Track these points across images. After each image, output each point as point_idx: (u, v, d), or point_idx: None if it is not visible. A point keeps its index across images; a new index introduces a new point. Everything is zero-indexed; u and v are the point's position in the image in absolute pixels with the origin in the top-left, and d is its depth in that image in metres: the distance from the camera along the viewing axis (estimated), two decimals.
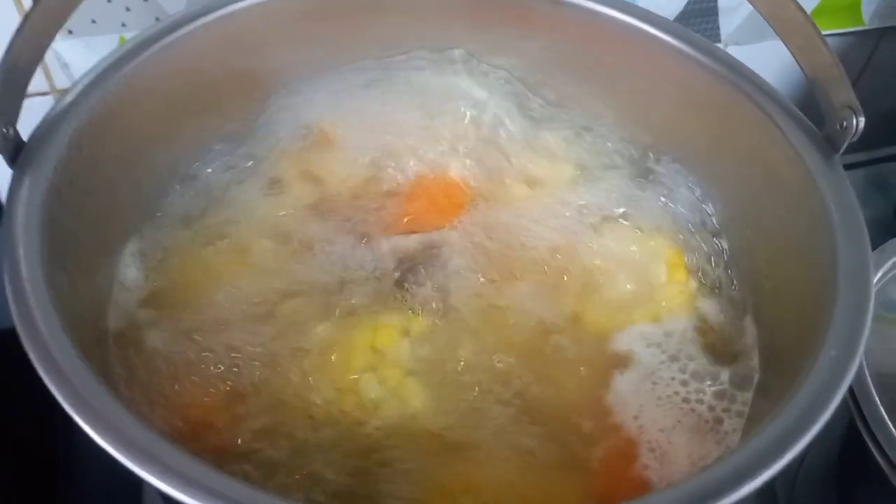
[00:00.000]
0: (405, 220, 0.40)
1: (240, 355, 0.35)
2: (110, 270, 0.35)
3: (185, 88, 0.38)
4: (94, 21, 0.50)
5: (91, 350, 0.28)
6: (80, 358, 0.25)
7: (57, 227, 0.29)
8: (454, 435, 0.33)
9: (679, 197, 0.41)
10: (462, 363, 0.35)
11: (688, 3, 0.57)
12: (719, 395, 0.34)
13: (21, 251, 0.27)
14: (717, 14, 0.58)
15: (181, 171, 0.40)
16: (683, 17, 0.58)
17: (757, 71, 0.38)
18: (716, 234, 0.40)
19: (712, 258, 0.39)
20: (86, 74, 0.34)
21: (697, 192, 0.41)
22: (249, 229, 0.39)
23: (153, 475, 0.23)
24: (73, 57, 0.52)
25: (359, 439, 0.32)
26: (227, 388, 0.34)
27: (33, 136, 0.31)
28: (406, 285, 0.38)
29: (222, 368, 0.34)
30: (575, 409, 0.34)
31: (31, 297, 0.26)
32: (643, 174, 0.42)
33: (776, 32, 0.33)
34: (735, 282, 0.38)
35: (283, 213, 0.40)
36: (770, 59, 0.57)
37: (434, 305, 0.37)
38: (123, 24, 0.51)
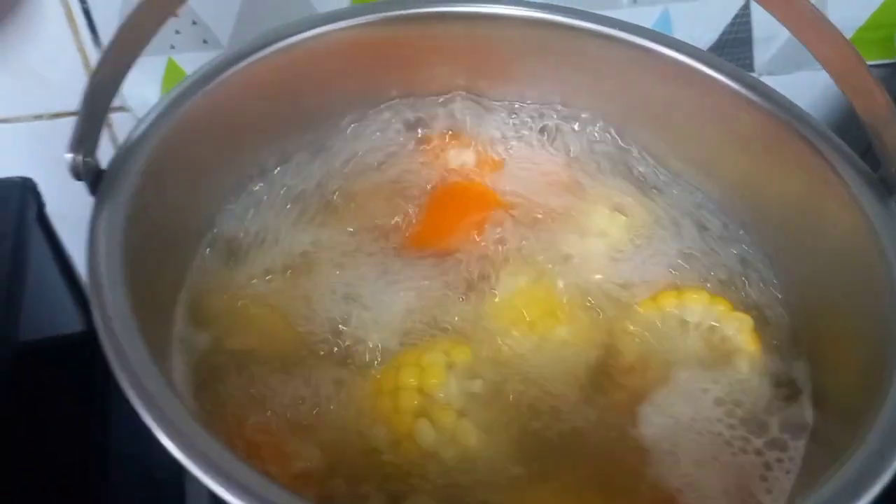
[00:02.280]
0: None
1: (290, 385, 0.35)
2: (173, 294, 0.36)
3: (244, 118, 0.39)
4: None
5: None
6: (169, 385, 0.26)
7: (132, 253, 0.30)
8: (513, 471, 0.33)
9: (726, 238, 0.41)
10: (509, 398, 0.36)
11: (723, 34, 0.58)
12: (770, 443, 0.34)
13: (105, 280, 0.28)
14: (751, 44, 0.59)
15: (239, 197, 0.40)
16: (718, 47, 0.58)
17: None
18: (766, 277, 0.40)
19: (763, 301, 0.39)
20: (157, 104, 0.35)
21: (744, 233, 0.41)
22: (298, 256, 0.40)
23: (219, 483, 0.24)
24: None
25: (416, 480, 0.33)
26: (282, 419, 0.34)
27: (112, 165, 0.32)
28: (443, 322, 0.38)
29: (274, 399, 0.35)
30: (618, 450, 0.34)
31: (118, 327, 0.27)
32: (689, 210, 0.42)
33: (829, 73, 0.34)
34: (787, 325, 0.38)
35: (329, 240, 0.40)
36: (803, 90, 0.58)
37: (477, 340, 0.37)
38: (172, 47, 0.52)
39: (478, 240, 0.41)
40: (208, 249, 0.39)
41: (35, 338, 0.55)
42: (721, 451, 0.34)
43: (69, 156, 0.29)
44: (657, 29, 0.54)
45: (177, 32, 0.51)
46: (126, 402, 0.64)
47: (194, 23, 0.51)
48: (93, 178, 0.31)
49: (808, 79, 0.61)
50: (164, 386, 0.26)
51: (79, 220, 0.61)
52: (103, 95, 0.30)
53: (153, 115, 0.34)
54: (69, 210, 0.59)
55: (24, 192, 0.57)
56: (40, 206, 0.58)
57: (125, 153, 0.32)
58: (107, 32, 0.50)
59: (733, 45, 0.59)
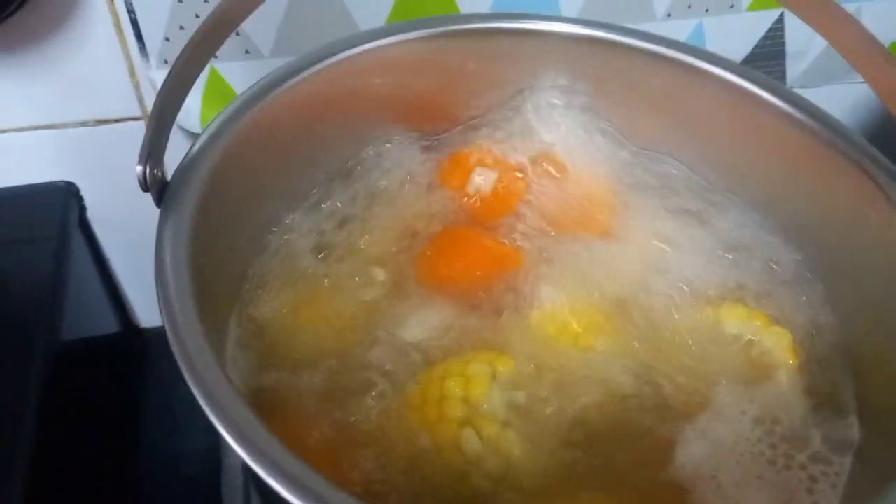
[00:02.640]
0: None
1: (335, 393, 0.36)
2: (231, 303, 0.37)
3: (297, 134, 0.39)
4: None
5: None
6: (235, 389, 0.27)
7: (195, 263, 0.31)
8: (555, 483, 0.34)
9: (769, 253, 0.41)
10: (551, 410, 0.36)
11: (756, 47, 0.58)
12: (813, 457, 0.34)
13: (172, 289, 0.29)
14: (784, 57, 0.59)
15: (293, 208, 0.41)
16: (751, 60, 0.59)
17: None
18: (810, 292, 0.40)
19: (807, 316, 0.39)
20: (217, 116, 0.35)
21: (787, 247, 0.41)
22: (345, 270, 0.40)
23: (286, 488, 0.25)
24: None
25: (463, 489, 0.33)
26: (329, 427, 0.35)
27: (175, 176, 0.33)
28: (486, 334, 0.38)
29: (321, 406, 0.35)
30: (659, 467, 0.35)
31: (186, 337, 0.28)
32: (732, 225, 0.42)
33: (877, 93, 0.34)
34: (831, 341, 0.38)
35: (375, 251, 0.41)
36: (834, 103, 0.58)
37: (519, 352, 0.38)
38: (215, 56, 0.53)
39: (519, 254, 0.42)
40: (262, 261, 0.39)
41: (74, 338, 0.57)
42: (765, 470, 0.34)
43: (139, 167, 0.30)
44: (691, 42, 0.54)
45: None
46: (158, 402, 0.65)
47: (237, 33, 0.52)
48: (159, 189, 0.32)
49: (839, 91, 0.61)
50: (231, 392, 0.27)
51: (118, 225, 0.63)
52: (170, 109, 0.32)
53: (212, 129, 0.35)
54: (110, 215, 0.61)
55: (67, 197, 0.58)
56: (82, 210, 0.60)
57: (187, 166, 0.33)
58: (153, 42, 0.51)
59: (766, 58, 0.59)
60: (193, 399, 0.27)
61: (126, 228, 0.60)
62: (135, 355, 0.70)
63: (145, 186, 0.31)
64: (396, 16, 0.51)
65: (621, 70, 0.42)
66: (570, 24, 0.42)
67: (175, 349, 0.28)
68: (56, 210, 0.57)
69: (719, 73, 0.40)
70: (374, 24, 0.50)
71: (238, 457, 0.26)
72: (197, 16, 0.50)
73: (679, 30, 0.55)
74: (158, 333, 0.28)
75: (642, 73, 0.41)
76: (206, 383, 0.27)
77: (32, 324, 0.51)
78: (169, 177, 0.33)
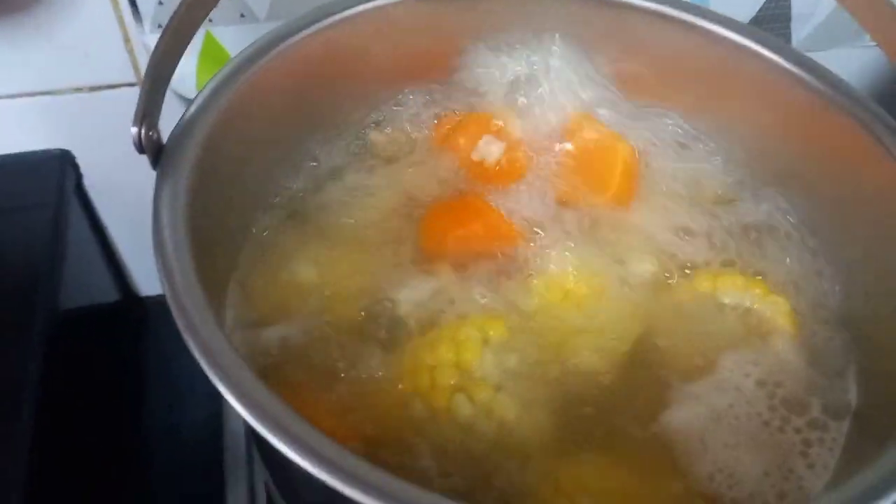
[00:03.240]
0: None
1: (329, 359, 0.36)
2: (229, 266, 0.37)
3: (296, 95, 0.39)
4: None
5: None
6: (237, 354, 0.27)
7: (193, 225, 0.31)
8: (548, 447, 0.34)
9: (780, 226, 0.41)
10: (546, 373, 0.36)
11: (761, 9, 0.57)
12: (811, 423, 0.34)
13: (171, 254, 0.29)
14: (789, 20, 0.59)
15: (291, 170, 0.41)
16: (756, 22, 0.58)
17: None
18: (812, 256, 0.40)
19: (807, 281, 0.39)
20: (213, 78, 0.35)
21: (798, 219, 0.41)
22: (341, 235, 0.40)
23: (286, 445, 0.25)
24: None
25: (459, 453, 0.33)
26: (323, 395, 0.35)
27: (171, 139, 0.32)
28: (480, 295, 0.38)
29: (315, 373, 0.35)
30: (652, 432, 0.35)
31: (186, 300, 0.27)
32: (733, 193, 0.42)
33: (885, 51, 0.33)
34: (832, 306, 0.38)
35: (374, 215, 0.41)
36: (839, 66, 0.57)
37: (515, 315, 0.37)
38: (210, 20, 0.52)
39: (520, 224, 0.41)
40: (260, 224, 0.39)
41: (73, 307, 0.56)
42: (759, 432, 0.34)
43: (133, 129, 0.30)
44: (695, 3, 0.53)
45: None
46: (159, 370, 0.65)
47: None
48: (155, 151, 0.31)
49: (844, 55, 0.60)
50: (232, 354, 0.27)
51: (116, 193, 0.62)
52: (164, 70, 0.31)
53: (208, 91, 0.34)
54: (106, 182, 0.60)
55: (63, 164, 0.58)
56: (79, 177, 0.59)
57: (183, 128, 0.33)
58: (147, 6, 0.50)
59: (771, 21, 0.58)
60: (195, 366, 0.27)
61: (123, 196, 0.60)
62: (135, 324, 0.70)
63: (141, 148, 0.30)
64: None
65: (625, 30, 0.41)
66: None
67: (175, 312, 0.27)
68: (52, 178, 0.57)
69: (725, 33, 0.39)
70: None
71: (241, 422, 0.26)
72: None
73: None
74: (159, 301, 0.28)
75: (646, 34, 0.41)
76: (207, 345, 0.27)
77: (31, 293, 0.50)
78: (165, 141, 0.33)
